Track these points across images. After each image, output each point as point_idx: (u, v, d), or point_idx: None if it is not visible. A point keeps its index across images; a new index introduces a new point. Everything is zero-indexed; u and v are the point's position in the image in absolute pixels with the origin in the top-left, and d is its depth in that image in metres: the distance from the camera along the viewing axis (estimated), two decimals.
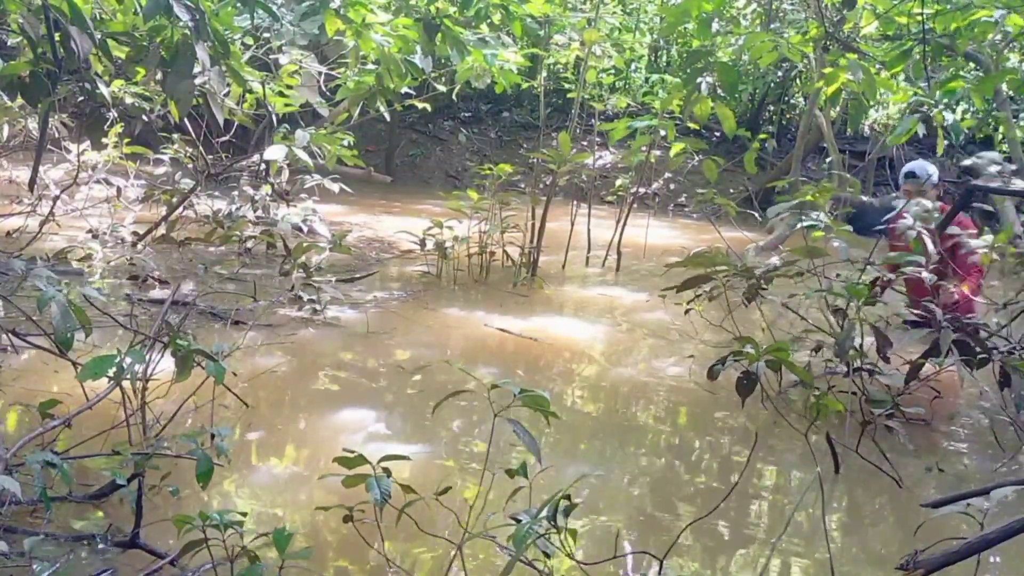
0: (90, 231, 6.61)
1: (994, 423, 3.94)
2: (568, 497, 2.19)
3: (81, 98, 5.72)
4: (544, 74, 8.36)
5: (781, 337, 4.11)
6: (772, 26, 8.48)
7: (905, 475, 3.41)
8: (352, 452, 2.36)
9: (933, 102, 5.60)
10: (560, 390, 4.37)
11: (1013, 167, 4.62)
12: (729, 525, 3.03)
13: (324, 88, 6.80)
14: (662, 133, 6.72)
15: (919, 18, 5.07)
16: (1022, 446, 3.76)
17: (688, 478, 3.51)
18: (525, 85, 8.58)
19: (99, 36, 4.90)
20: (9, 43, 7.51)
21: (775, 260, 4.26)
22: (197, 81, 5.22)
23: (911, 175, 5.05)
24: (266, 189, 6.47)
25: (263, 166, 6.59)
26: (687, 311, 4.51)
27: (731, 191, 11.38)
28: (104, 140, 7.03)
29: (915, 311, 4.02)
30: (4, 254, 5.36)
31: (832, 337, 3.93)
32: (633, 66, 14.08)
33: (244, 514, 2.26)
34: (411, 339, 4.94)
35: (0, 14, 5.62)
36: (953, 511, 2.29)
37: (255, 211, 6.28)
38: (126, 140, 7.02)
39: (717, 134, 12.56)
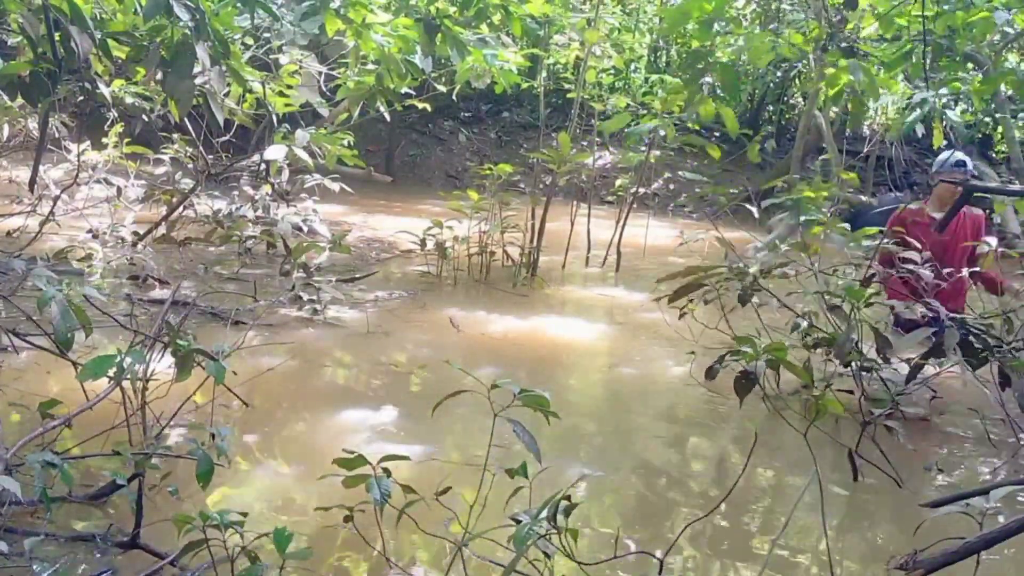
0: (90, 231, 6.61)
1: (989, 423, 3.94)
2: (568, 497, 2.18)
3: (81, 98, 5.72)
4: (544, 74, 8.37)
5: (779, 337, 4.12)
6: (771, 26, 8.49)
7: (905, 475, 3.41)
8: (352, 452, 2.36)
9: (935, 97, 5.60)
10: (560, 390, 4.37)
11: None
12: (729, 525, 3.03)
13: (324, 88, 6.80)
14: (661, 133, 6.73)
15: (919, 19, 5.07)
16: (1021, 446, 3.76)
17: (688, 478, 3.51)
18: (525, 85, 8.59)
19: (99, 36, 4.90)
20: (9, 43, 7.52)
21: (771, 258, 4.26)
22: (197, 81, 5.22)
23: (962, 164, 4.94)
24: (266, 189, 6.47)
25: (263, 166, 6.60)
26: (682, 315, 4.52)
27: (730, 191, 11.37)
28: (104, 140, 7.04)
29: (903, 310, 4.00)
30: (4, 254, 5.36)
31: (827, 335, 3.94)
32: (633, 66, 14.08)
33: (244, 514, 2.25)
34: (411, 339, 4.94)
35: (0, 14, 5.62)
36: (953, 511, 2.29)
37: (255, 211, 6.28)
38: (126, 140, 7.01)
39: (717, 134, 12.57)
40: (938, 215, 4.67)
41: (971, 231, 5.00)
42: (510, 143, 13.86)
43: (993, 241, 4.56)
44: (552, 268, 7.08)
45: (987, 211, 6.03)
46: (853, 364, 3.82)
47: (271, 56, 6.31)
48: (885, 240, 4.32)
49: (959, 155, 5.08)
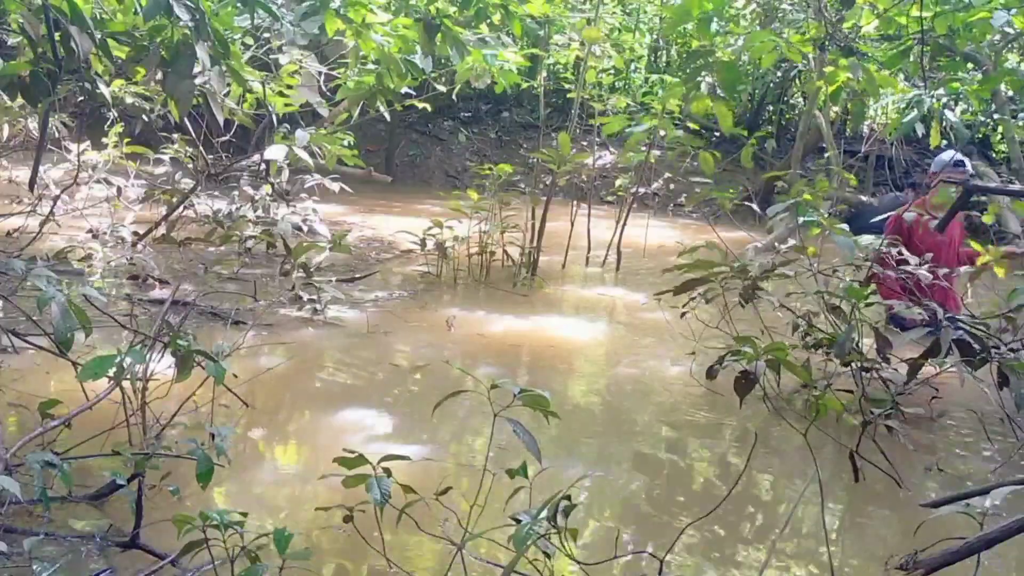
0: (90, 231, 6.61)
1: (988, 423, 3.94)
2: (568, 497, 2.18)
3: (81, 98, 5.73)
4: (544, 74, 8.36)
5: (779, 337, 4.12)
6: (772, 26, 8.48)
7: (905, 475, 3.41)
8: (352, 452, 2.36)
9: (932, 98, 5.62)
10: (560, 390, 4.37)
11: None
12: (729, 525, 3.03)
13: (324, 88, 6.80)
14: (661, 133, 6.73)
15: (918, 18, 5.08)
16: (1021, 446, 3.76)
17: (688, 478, 3.51)
18: (525, 85, 8.59)
19: (99, 36, 4.89)
20: (9, 43, 7.52)
21: (772, 259, 4.27)
22: (197, 81, 5.22)
23: (961, 164, 5.02)
24: (266, 189, 6.47)
25: (263, 166, 6.59)
26: (683, 314, 4.52)
27: (730, 191, 11.36)
28: (104, 140, 7.04)
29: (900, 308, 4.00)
30: (4, 254, 5.36)
31: (827, 335, 3.93)
32: (633, 66, 14.09)
33: (244, 514, 2.25)
34: (411, 339, 4.94)
35: (0, 14, 5.62)
36: (953, 511, 2.29)
37: (255, 211, 6.27)
38: (126, 140, 7.02)
39: (716, 134, 12.57)
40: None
41: (960, 231, 5.03)
42: (510, 143, 13.86)
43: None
44: (552, 268, 7.08)
45: (982, 212, 6.06)
46: (853, 364, 3.82)
47: (271, 56, 6.31)
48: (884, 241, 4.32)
49: (958, 155, 5.13)
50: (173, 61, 4.97)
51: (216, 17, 5.26)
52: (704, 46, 6.52)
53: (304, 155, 5.92)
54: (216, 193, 7.37)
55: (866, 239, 4.32)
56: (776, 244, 7.93)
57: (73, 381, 3.00)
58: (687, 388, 4.40)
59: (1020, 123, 9.55)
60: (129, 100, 6.18)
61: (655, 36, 14.20)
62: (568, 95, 8.92)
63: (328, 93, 7.03)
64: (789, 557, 2.86)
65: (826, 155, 10.67)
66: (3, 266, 4.74)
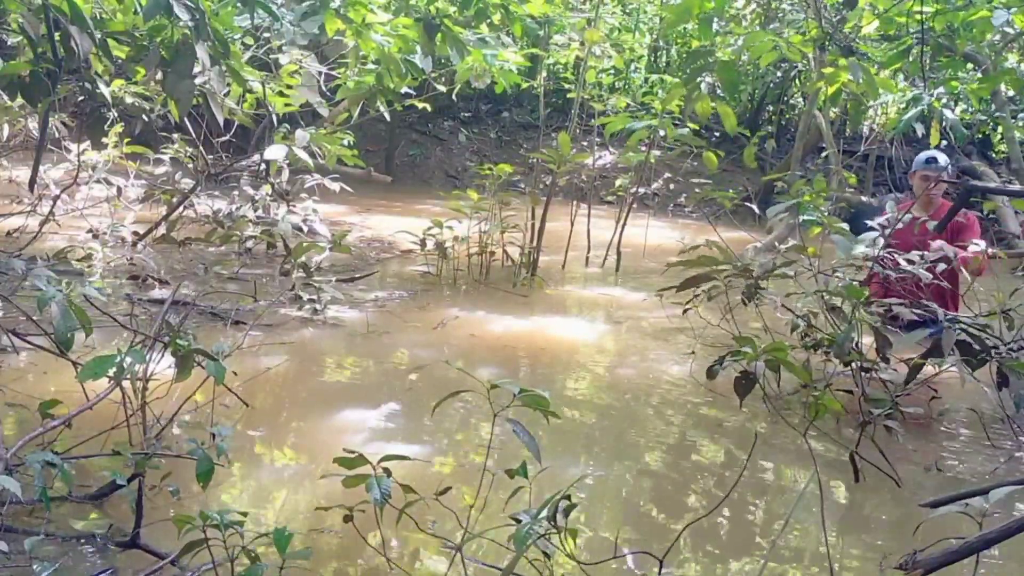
0: (90, 231, 6.61)
1: (988, 423, 3.94)
2: (568, 497, 2.19)
3: (81, 98, 5.73)
4: (544, 74, 8.36)
5: (779, 337, 4.12)
6: (771, 26, 8.49)
7: (904, 475, 3.41)
8: (352, 452, 2.36)
9: (931, 96, 5.64)
10: (560, 390, 4.37)
11: None
12: (729, 525, 3.03)
13: (324, 88, 6.80)
14: (661, 132, 6.74)
15: (918, 18, 5.09)
16: (1021, 446, 3.76)
17: (688, 478, 3.51)
18: (525, 85, 8.59)
19: (99, 36, 4.90)
20: (9, 43, 7.52)
21: (773, 259, 4.28)
22: (197, 81, 5.22)
23: (932, 160, 5.06)
24: (266, 189, 6.46)
25: (263, 166, 6.59)
26: (685, 311, 4.52)
27: (730, 191, 11.37)
28: (104, 140, 7.04)
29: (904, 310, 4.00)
30: (4, 254, 5.36)
31: (827, 335, 3.94)
32: (633, 66, 14.09)
33: (244, 514, 2.26)
34: (411, 339, 4.94)
35: (0, 14, 5.62)
36: (952, 511, 2.29)
37: (255, 211, 6.27)
38: (126, 140, 7.01)
39: (717, 133, 12.58)
40: (920, 214, 4.72)
41: (959, 232, 5.01)
42: (510, 143, 13.86)
43: (982, 243, 4.56)
44: (552, 268, 7.08)
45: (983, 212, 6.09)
46: (853, 364, 3.82)
47: (271, 56, 6.31)
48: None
49: (931, 152, 5.18)
50: (173, 61, 4.97)
51: (216, 17, 5.26)
52: (704, 46, 6.53)
53: (304, 155, 5.92)
54: (216, 193, 7.36)
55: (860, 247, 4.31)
56: (776, 244, 7.93)
57: (73, 381, 3.00)
58: (687, 388, 4.40)
59: (1020, 123, 9.55)
60: (129, 100, 6.18)
61: (655, 36, 14.20)
62: (568, 95, 8.92)
63: (328, 93, 7.03)
64: (789, 557, 2.86)
65: (825, 155, 10.68)
66: (3, 266, 4.74)
